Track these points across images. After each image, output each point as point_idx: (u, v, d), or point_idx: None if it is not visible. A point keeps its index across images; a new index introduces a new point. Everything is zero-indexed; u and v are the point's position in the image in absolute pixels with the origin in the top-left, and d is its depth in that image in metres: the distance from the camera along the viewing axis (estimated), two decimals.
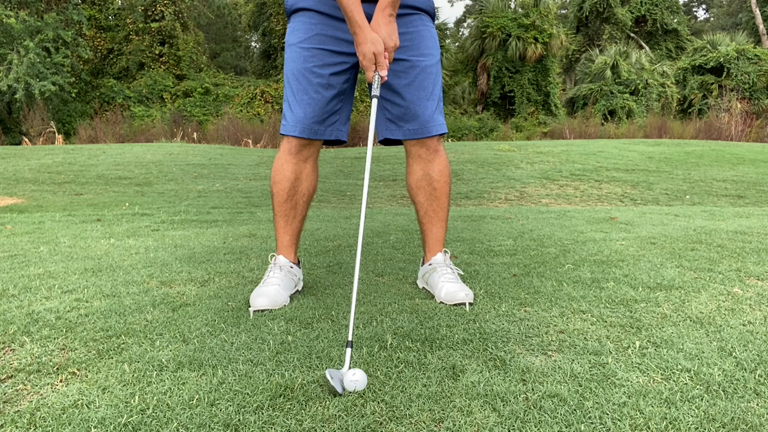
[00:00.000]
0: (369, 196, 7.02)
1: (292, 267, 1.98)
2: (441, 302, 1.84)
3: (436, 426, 1.10)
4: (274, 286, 1.87)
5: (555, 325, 1.60)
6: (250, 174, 8.81)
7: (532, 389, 1.22)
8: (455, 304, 1.81)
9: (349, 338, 1.37)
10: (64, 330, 1.62)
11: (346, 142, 2.06)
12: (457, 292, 1.82)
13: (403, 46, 1.88)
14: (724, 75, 23.37)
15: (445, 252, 2.04)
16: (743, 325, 1.59)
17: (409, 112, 1.93)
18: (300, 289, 2.02)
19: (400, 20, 1.87)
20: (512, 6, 26.42)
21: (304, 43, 1.88)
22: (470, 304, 1.81)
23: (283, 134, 1.94)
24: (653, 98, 24.02)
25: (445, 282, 1.89)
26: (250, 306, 1.79)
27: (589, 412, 1.13)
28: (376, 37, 1.74)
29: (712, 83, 23.52)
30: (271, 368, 1.34)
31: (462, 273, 2.05)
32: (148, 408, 1.16)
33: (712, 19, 46.42)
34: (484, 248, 2.74)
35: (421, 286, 2.06)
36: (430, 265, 2.01)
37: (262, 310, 1.77)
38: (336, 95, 1.91)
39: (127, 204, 5.78)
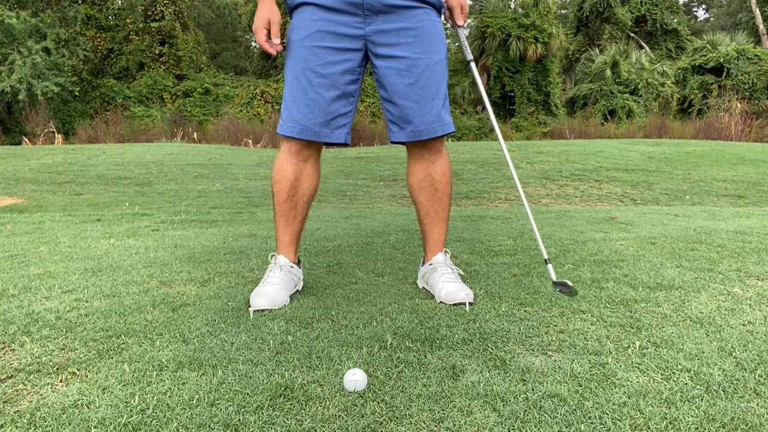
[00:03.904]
0: (369, 196, 7.03)
1: (292, 267, 1.98)
2: (441, 302, 1.84)
3: (436, 426, 1.10)
4: (274, 286, 1.86)
5: (555, 325, 1.60)
6: (250, 174, 8.80)
7: (532, 389, 1.22)
8: (455, 304, 1.81)
9: (545, 257, 1.83)
10: (64, 330, 1.62)
11: (349, 145, 2.06)
12: (457, 292, 1.82)
13: (405, 42, 1.85)
14: (724, 75, 23.36)
15: (446, 252, 2.03)
16: (743, 325, 1.59)
17: (413, 113, 1.89)
18: (300, 289, 2.02)
19: (404, 14, 1.85)
20: (512, 6, 26.42)
21: (304, 41, 1.85)
22: (470, 303, 1.81)
23: (279, 134, 1.93)
24: (652, 98, 24.02)
25: (446, 282, 1.88)
26: (250, 306, 1.79)
27: (589, 412, 1.13)
28: (273, 9, 1.87)
29: (712, 83, 23.51)
30: (271, 368, 1.34)
31: (462, 273, 2.05)
32: (148, 408, 1.16)
33: (712, 19, 46.42)
34: (484, 248, 2.74)
35: (421, 286, 2.05)
36: (430, 265, 2.00)
37: (262, 310, 1.77)
38: (340, 96, 1.87)
39: (127, 204, 5.78)
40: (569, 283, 1.71)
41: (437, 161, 1.99)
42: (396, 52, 1.85)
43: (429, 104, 1.89)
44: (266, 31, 1.88)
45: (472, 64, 2.01)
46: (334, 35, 1.84)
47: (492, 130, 22.45)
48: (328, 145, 1.99)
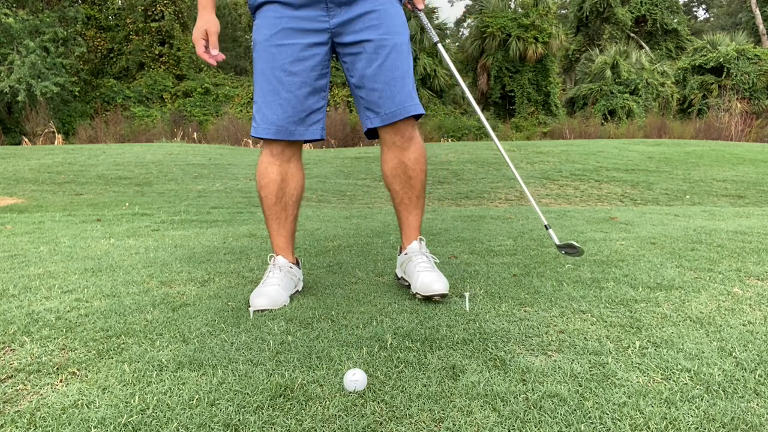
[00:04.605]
0: (369, 196, 7.03)
1: (291, 267, 1.98)
2: (416, 293, 1.83)
3: (436, 426, 1.10)
4: (274, 286, 1.86)
5: (555, 325, 1.60)
6: (250, 174, 8.80)
7: (532, 389, 1.22)
8: (429, 296, 1.80)
9: (545, 223, 1.86)
10: (64, 330, 1.62)
11: (325, 140, 2.05)
12: (432, 283, 1.80)
13: (370, 26, 1.84)
14: (724, 75, 23.38)
15: (420, 240, 2.01)
16: (743, 325, 1.59)
17: (385, 94, 1.87)
18: (300, 289, 2.02)
19: (364, 2, 1.84)
20: (512, 6, 26.42)
21: (270, 40, 1.84)
22: (443, 295, 1.80)
23: (254, 137, 1.91)
24: (652, 98, 24.04)
25: (421, 271, 1.86)
26: (250, 306, 1.79)
27: (589, 412, 1.13)
28: (211, 20, 1.88)
29: (712, 83, 23.52)
30: (271, 368, 1.34)
31: (438, 261, 2.02)
32: (148, 408, 1.16)
33: (712, 19, 46.42)
34: (484, 248, 2.74)
35: (399, 276, 2.04)
36: (405, 254, 1.99)
37: (262, 310, 1.77)
38: (311, 92, 1.86)
39: (127, 204, 5.78)
40: (575, 243, 1.68)
41: (410, 148, 1.96)
42: (362, 36, 1.84)
43: (400, 83, 1.87)
44: (204, 42, 1.88)
45: (440, 46, 2.01)
46: (299, 31, 1.83)
47: (492, 129, 22.47)
48: (307, 141, 1.97)
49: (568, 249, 1.71)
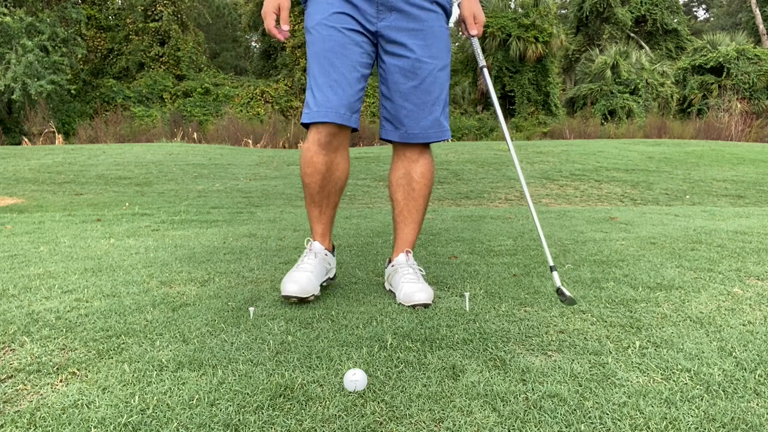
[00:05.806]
0: (369, 196, 7.03)
1: (326, 254, 1.97)
2: (400, 303, 1.82)
3: (436, 426, 1.10)
4: (307, 273, 1.84)
5: (555, 325, 1.60)
6: (250, 174, 8.80)
7: (532, 389, 1.22)
8: (412, 306, 1.78)
9: (551, 264, 1.78)
10: (64, 330, 1.62)
11: (357, 131, 2.02)
12: (415, 293, 1.79)
13: (414, 44, 1.84)
14: (724, 75, 23.36)
15: (408, 252, 1.99)
16: (743, 325, 1.59)
17: (411, 115, 1.88)
18: (332, 276, 2.01)
19: (417, 15, 1.84)
20: (512, 6, 26.42)
21: (322, 22, 1.83)
22: (426, 306, 1.78)
23: (306, 123, 1.85)
24: (652, 98, 24.03)
25: (405, 282, 1.86)
26: (281, 291, 1.79)
27: (589, 412, 1.13)
28: None
29: (712, 83, 23.51)
30: (271, 368, 1.34)
31: (424, 273, 2.01)
32: (148, 408, 1.16)
33: (712, 19, 46.43)
34: (484, 248, 2.74)
35: (387, 289, 2.01)
36: (392, 266, 1.98)
37: (289, 297, 1.77)
38: (359, 78, 1.84)
39: (127, 204, 5.78)
40: (566, 293, 1.69)
41: (419, 161, 1.97)
42: (404, 51, 1.85)
43: (428, 109, 1.89)
44: (275, 17, 1.85)
45: (485, 70, 1.99)
46: (350, 18, 1.83)
47: (492, 129, 22.48)
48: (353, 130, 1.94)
49: (561, 296, 1.72)
